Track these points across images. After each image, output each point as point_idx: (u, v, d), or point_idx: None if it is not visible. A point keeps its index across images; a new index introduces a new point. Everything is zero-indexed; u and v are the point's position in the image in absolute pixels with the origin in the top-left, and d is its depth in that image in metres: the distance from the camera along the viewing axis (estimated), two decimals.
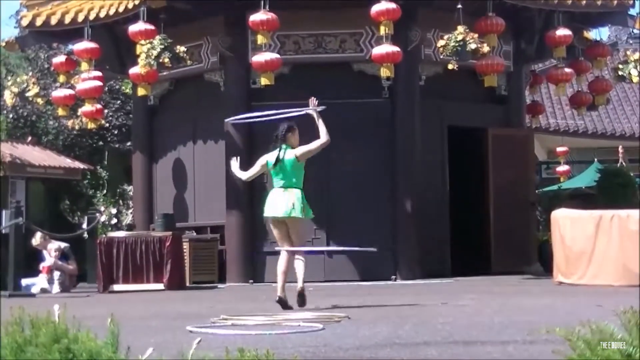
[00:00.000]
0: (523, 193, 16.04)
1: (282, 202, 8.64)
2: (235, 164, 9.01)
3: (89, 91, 15.17)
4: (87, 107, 15.54)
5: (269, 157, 8.79)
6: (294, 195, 8.62)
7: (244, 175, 9.11)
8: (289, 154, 8.67)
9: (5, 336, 2.79)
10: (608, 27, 25.76)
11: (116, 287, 13.24)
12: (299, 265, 8.64)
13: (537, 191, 17.80)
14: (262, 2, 13.28)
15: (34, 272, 13.99)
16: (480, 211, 15.78)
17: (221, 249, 14.96)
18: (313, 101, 8.79)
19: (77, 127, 17.94)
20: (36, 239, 13.90)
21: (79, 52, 15.05)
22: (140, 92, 14.57)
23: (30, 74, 19.58)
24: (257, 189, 14.63)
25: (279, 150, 8.72)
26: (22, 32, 16.34)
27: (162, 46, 13.69)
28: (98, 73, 15.38)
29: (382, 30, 13.21)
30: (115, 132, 22.99)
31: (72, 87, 16.02)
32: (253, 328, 6.55)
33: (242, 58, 14.61)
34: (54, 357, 2.71)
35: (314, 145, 8.66)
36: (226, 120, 9.40)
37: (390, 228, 14.37)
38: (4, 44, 16.55)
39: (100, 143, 22.94)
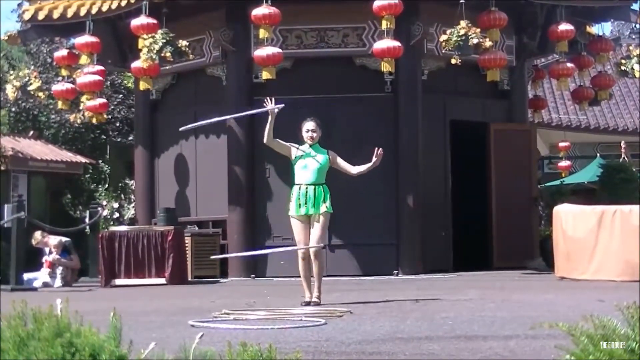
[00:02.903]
0: (525, 188, 16.03)
1: None
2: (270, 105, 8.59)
3: (89, 85, 15.18)
4: (91, 102, 15.53)
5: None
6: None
7: (268, 134, 8.57)
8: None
9: (8, 330, 2.79)
10: (611, 22, 25.68)
11: (118, 281, 13.24)
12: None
13: (539, 186, 17.78)
14: None
15: (36, 266, 14.01)
16: (483, 206, 15.76)
17: (223, 244, 14.95)
18: (270, 100, 8.67)
19: (79, 121, 17.93)
20: (35, 238, 13.89)
21: (80, 46, 15.05)
22: (142, 86, 14.56)
23: (32, 68, 19.57)
24: (259, 184, 14.66)
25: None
26: (24, 26, 16.31)
27: (164, 40, 13.68)
28: (100, 67, 15.38)
29: (384, 25, 13.19)
30: (117, 125, 23.01)
31: (74, 81, 16.01)
32: (254, 322, 6.56)
33: (244, 52, 14.59)
34: (57, 351, 2.71)
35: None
36: (180, 128, 9.34)
37: (392, 222, 14.37)
38: (6, 37, 16.54)
39: (102, 137, 22.96)
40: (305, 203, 8.51)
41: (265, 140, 8.67)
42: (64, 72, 16.26)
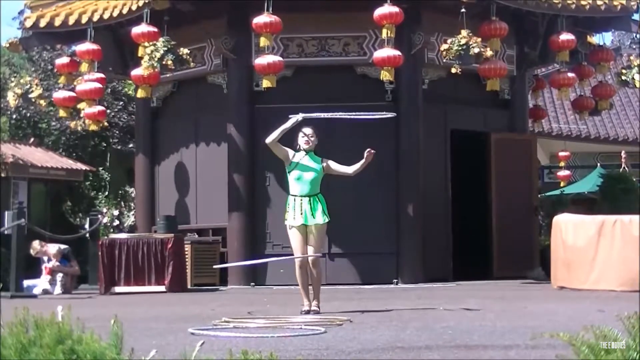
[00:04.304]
0: (525, 197, 16.03)
1: None
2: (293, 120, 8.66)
3: (89, 92, 15.17)
4: (90, 109, 15.54)
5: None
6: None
7: (275, 137, 8.59)
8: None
9: (10, 336, 2.79)
10: (611, 32, 25.72)
11: (117, 288, 13.24)
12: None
13: (539, 196, 17.78)
14: (266, 5, 13.28)
15: (36, 274, 14.00)
16: (483, 215, 15.76)
17: (223, 252, 14.95)
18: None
19: (79, 128, 17.95)
20: (34, 248, 13.87)
21: (81, 54, 15.04)
22: (140, 93, 14.53)
23: (34, 75, 19.59)
24: (259, 192, 14.65)
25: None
26: (25, 33, 16.33)
27: (165, 48, 13.68)
28: (100, 75, 15.38)
29: (385, 34, 13.21)
30: (118, 132, 23.01)
31: (74, 88, 16.01)
32: (255, 331, 6.55)
33: (245, 60, 14.61)
34: (58, 357, 2.71)
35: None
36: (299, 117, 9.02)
37: (392, 232, 14.37)
38: (7, 45, 16.56)
39: (103, 144, 22.96)
40: (301, 214, 8.49)
41: (268, 140, 8.62)
42: (63, 80, 16.26)
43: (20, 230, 12.75)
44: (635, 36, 25.47)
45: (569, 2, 15.00)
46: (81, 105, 15.81)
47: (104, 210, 18.24)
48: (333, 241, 14.14)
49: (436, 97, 15.05)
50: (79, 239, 15.74)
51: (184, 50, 13.93)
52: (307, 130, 8.65)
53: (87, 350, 2.70)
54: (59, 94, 16.10)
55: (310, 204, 8.49)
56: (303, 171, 8.53)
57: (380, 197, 14.46)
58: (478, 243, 15.87)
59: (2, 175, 17.64)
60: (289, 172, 8.62)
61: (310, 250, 8.52)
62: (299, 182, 8.54)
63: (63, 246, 14.14)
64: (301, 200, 8.51)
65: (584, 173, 24.78)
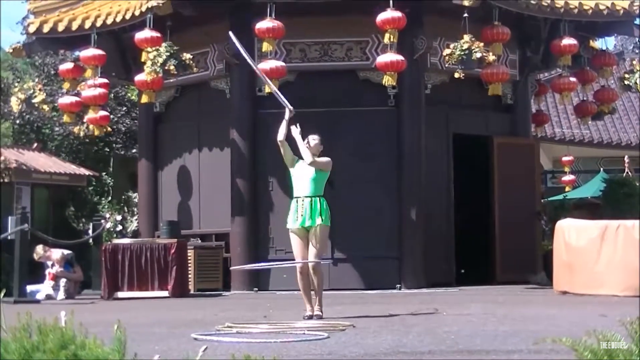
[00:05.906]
0: (528, 202, 16.02)
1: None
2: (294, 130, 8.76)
3: (94, 98, 15.19)
4: (92, 114, 15.57)
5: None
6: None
7: (284, 134, 8.80)
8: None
9: (13, 342, 2.80)
10: (614, 36, 25.72)
11: (121, 294, 13.24)
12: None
13: (542, 200, 17.77)
14: (268, 10, 13.30)
15: (39, 279, 14.01)
16: (486, 220, 15.76)
17: (226, 257, 14.95)
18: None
19: (82, 133, 17.97)
20: (37, 253, 13.88)
21: (85, 59, 15.07)
22: (144, 99, 14.55)
23: (37, 80, 19.62)
24: (262, 197, 14.66)
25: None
26: (29, 38, 16.35)
27: (168, 53, 13.70)
28: (104, 80, 15.41)
29: (387, 39, 13.22)
30: (121, 138, 23.03)
31: (78, 93, 16.04)
32: (258, 336, 6.55)
33: (248, 65, 14.56)
34: None
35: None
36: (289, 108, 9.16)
37: (395, 236, 14.36)
38: (11, 50, 16.58)
39: (106, 149, 22.98)
40: (302, 214, 8.54)
41: (280, 138, 8.76)
42: (66, 85, 16.27)
43: (23, 236, 12.77)
44: (638, 41, 25.48)
45: (571, 6, 15.00)
46: (89, 114, 15.84)
47: (107, 215, 18.23)
48: (336, 246, 14.14)
49: (439, 102, 15.06)
50: (82, 244, 15.76)
51: (187, 56, 13.96)
52: (312, 135, 8.81)
53: (90, 355, 2.70)
54: (65, 99, 16.12)
55: (312, 205, 8.53)
56: (304, 169, 8.64)
57: (382, 201, 14.45)
58: (481, 247, 15.86)
59: (6, 180, 17.66)
60: (291, 174, 8.71)
61: (311, 254, 8.54)
62: (300, 183, 8.64)
63: (66, 251, 14.15)
64: (303, 201, 8.57)
65: (586, 178, 24.77)
